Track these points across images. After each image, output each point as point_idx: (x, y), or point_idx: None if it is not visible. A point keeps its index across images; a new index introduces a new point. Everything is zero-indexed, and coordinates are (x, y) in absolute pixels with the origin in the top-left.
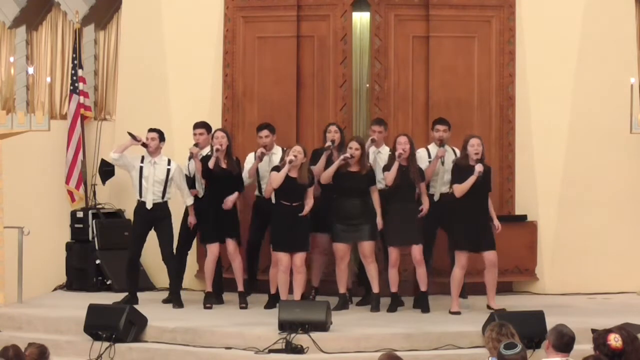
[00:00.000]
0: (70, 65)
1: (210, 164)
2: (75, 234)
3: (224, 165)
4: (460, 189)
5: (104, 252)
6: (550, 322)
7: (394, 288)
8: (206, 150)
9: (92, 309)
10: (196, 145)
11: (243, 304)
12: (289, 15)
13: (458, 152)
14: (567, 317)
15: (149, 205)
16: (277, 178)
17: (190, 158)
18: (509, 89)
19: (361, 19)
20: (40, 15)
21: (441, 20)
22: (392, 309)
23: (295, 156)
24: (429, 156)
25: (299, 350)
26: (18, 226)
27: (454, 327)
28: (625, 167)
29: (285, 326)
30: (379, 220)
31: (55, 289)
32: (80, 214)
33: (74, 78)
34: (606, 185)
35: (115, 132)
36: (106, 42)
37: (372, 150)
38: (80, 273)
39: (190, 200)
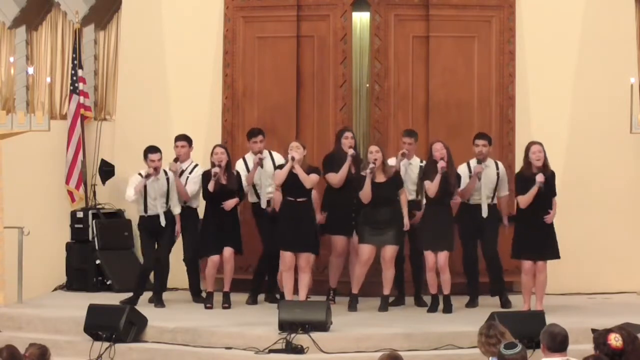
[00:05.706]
0: (70, 65)
1: (210, 186)
2: (75, 234)
3: (224, 181)
4: (523, 201)
5: (104, 252)
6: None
7: (433, 290)
8: (186, 164)
9: (92, 309)
10: (176, 159)
11: (226, 304)
12: (289, 15)
13: (500, 164)
14: (567, 317)
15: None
16: (280, 176)
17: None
18: (509, 89)
19: (361, 19)
20: (40, 15)
21: (441, 20)
22: (432, 309)
23: (295, 152)
24: (470, 171)
25: (299, 350)
26: (18, 226)
27: (454, 327)
28: (625, 167)
29: (285, 326)
30: (406, 222)
31: (55, 289)
32: (80, 214)
33: (74, 78)
34: (606, 185)
35: (115, 132)
36: (106, 42)
37: (402, 163)
38: (80, 273)
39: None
